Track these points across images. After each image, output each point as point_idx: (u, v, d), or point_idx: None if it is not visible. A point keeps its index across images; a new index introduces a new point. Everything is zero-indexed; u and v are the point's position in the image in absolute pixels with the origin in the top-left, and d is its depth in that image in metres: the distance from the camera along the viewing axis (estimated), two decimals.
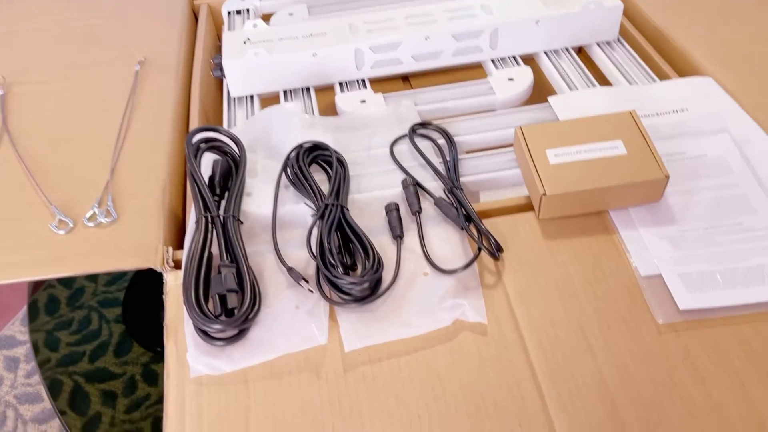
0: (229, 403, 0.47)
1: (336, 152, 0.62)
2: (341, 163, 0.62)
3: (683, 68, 0.73)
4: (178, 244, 0.58)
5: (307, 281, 0.53)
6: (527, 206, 0.58)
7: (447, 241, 0.55)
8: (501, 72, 0.72)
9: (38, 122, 0.69)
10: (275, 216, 0.57)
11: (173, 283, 0.54)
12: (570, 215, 0.57)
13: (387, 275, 0.53)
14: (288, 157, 0.61)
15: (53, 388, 0.95)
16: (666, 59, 0.74)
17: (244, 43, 0.71)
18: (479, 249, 0.53)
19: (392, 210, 0.57)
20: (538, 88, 0.72)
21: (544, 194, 0.54)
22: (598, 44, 0.76)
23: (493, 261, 0.54)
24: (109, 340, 1.02)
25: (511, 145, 0.64)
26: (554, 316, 0.50)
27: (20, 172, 0.62)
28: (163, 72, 0.76)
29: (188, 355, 0.49)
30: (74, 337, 1.03)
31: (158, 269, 0.54)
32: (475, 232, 0.54)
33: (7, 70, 0.75)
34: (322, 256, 0.52)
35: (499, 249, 0.53)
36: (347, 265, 0.53)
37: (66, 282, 1.12)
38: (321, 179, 0.60)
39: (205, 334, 0.49)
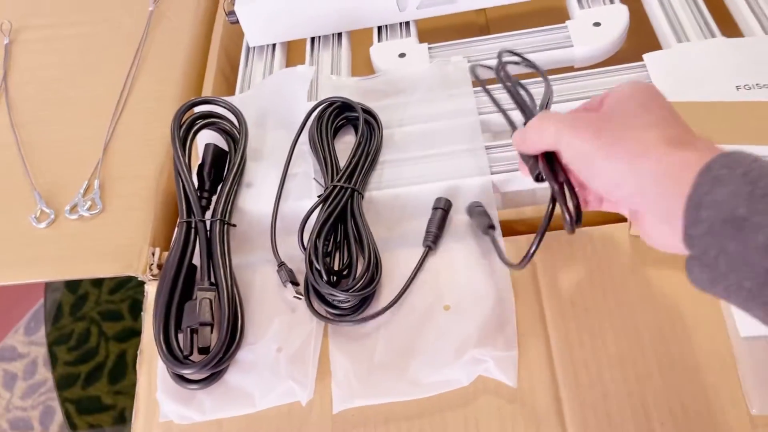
0: None
1: (367, 110, 0.50)
2: (370, 127, 0.50)
3: None
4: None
5: (297, 284, 0.44)
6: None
7: (475, 265, 0.43)
8: (586, 13, 0.55)
9: (38, 78, 0.61)
10: (278, 200, 0.47)
11: (154, 298, 0.46)
12: None
13: (392, 293, 0.43)
14: (308, 115, 0.50)
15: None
16: None
17: None
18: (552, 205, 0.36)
19: (439, 208, 0.45)
20: (638, 37, 0.55)
21: None
22: None
23: (536, 301, 0.41)
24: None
25: None
26: (609, 385, 0.38)
27: (11, 143, 0.56)
28: (181, 11, 0.65)
29: (158, 394, 0.42)
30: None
31: (140, 278, 0.47)
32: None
33: (13, 12, 0.67)
34: (310, 255, 0.42)
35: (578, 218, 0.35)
36: (339, 270, 0.43)
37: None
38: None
39: (175, 374, 0.42)
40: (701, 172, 0.27)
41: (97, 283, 1.42)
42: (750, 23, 0.51)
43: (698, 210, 0.26)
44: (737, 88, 0.46)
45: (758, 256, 0.25)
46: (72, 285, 1.42)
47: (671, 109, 0.32)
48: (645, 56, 0.50)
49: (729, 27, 0.52)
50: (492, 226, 0.43)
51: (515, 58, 0.44)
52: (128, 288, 1.44)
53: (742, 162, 0.26)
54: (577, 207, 0.34)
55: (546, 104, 0.41)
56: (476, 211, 0.44)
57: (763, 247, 0.24)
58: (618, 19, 0.53)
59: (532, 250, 0.35)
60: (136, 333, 1.43)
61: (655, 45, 0.53)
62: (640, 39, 0.55)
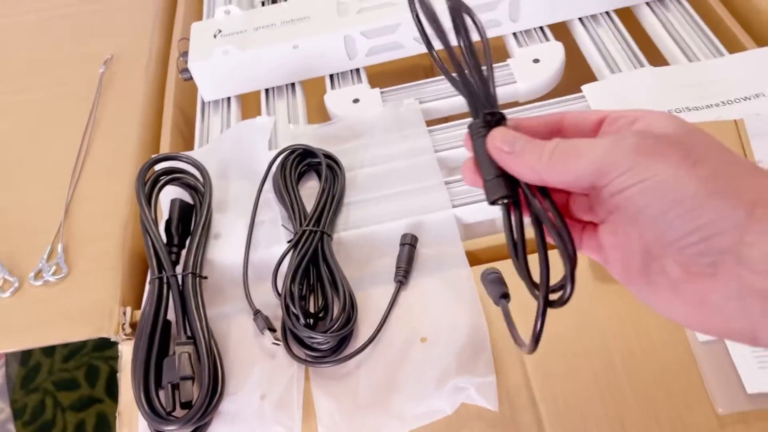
0: None
1: (328, 155, 0.52)
2: (333, 171, 0.51)
3: (765, 34, 0.57)
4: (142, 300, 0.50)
5: (274, 330, 0.44)
6: None
7: (447, 296, 0.45)
8: (525, 51, 0.58)
9: None
10: (248, 249, 0.48)
11: (129, 358, 0.45)
12: None
13: (369, 330, 0.44)
14: (271, 163, 0.51)
15: None
16: (741, 22, 0.58)
17: (215, 36, 0.60)
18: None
19: (406, 244, 0.46)
20: (574, 70, 0.58)
21: None
22: (647, 2, 0.60)
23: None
24: None
25: None
26: (585, 403, 0.40)
27: None
28: (131, 72, 0.66)
29: None
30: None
31: (112, 338, 0.47)
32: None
33: None
34: (286, 300, 0.43)
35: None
36: (315, 312, 0.44)
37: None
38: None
39: None
40: None
41: (49, 352, 1.37)
42: (674, 53, 0.55)
43: None
44: (669, 111, 0.50)
45: None
46: (22, 356, 1.35)
47: None
48: (583, 87, 0.54)
49: (655, 57, 0.57)
50: (506, 295, 0.33)
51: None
52: (83, 354, 1.39)
53: None
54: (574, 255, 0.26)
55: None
56: (489, 278, 0.35)
57: None
58: (555, 55, 0.57)
59: (538, 329, 0.27)
60: (93, 401, 1.37)
61: (590, 76, 0.57)
62: (577, 72, 0.59)
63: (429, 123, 0.55)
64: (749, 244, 0.21)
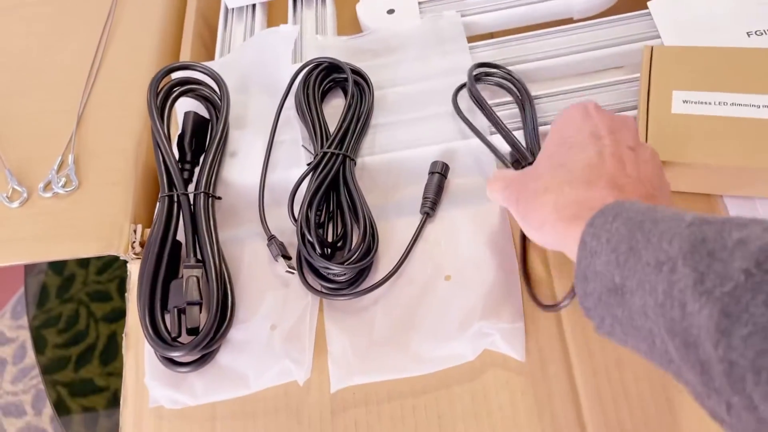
0: None
1: (356, 71, 0.47)
2: (360, 88, 0.47)
3: None
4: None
5: (289, 258, 0.41)
6: None
7: (477, 232, 0.41)
8: None
9: (4, 49, 0.57)
10: (266, 169, 0.45)
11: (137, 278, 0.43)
12: (675, 191, 0.40)
13: (389, 264, 0.40)
14: (294, 78, 0.47)
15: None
16: None
17: None
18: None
19: (436, 172, 0.42)
20: None
21: None
22: None
23: (544, 269, 0.39)
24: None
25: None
26: (622, 351, 0.36)
27: None
28: None
29: (146, 379, 0.40)
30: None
31: (121, 257, 0.44)
32: None
33: None
34: (302, 227, 0.40)
35: None
36: (333, 242, 0.41)
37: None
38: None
39: (163, 357, 0.39)
40: (580, 246, 0.27)
41: (84, 263, 1.38)
42: None
43: (585, 282, 0.27)
44: (748, 34, 0.44)
45: (641, 318, 0.25)
46: (57, 266, 1.37)
47: (595, 138, 0.31)
48: (650, 3, 0.47)
49: None
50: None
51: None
52: (115, 268, 1.40)
53: (605, 227, 0.26)
54: None
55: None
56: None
57: (641, 310, 0.25)
58: None
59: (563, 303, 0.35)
60: (125, 313, 1.39)
61: None
62: None
63: (470, 39, 0.49)
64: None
